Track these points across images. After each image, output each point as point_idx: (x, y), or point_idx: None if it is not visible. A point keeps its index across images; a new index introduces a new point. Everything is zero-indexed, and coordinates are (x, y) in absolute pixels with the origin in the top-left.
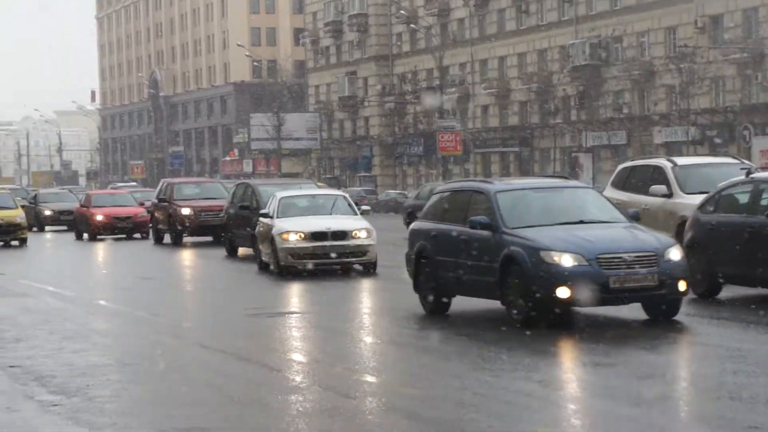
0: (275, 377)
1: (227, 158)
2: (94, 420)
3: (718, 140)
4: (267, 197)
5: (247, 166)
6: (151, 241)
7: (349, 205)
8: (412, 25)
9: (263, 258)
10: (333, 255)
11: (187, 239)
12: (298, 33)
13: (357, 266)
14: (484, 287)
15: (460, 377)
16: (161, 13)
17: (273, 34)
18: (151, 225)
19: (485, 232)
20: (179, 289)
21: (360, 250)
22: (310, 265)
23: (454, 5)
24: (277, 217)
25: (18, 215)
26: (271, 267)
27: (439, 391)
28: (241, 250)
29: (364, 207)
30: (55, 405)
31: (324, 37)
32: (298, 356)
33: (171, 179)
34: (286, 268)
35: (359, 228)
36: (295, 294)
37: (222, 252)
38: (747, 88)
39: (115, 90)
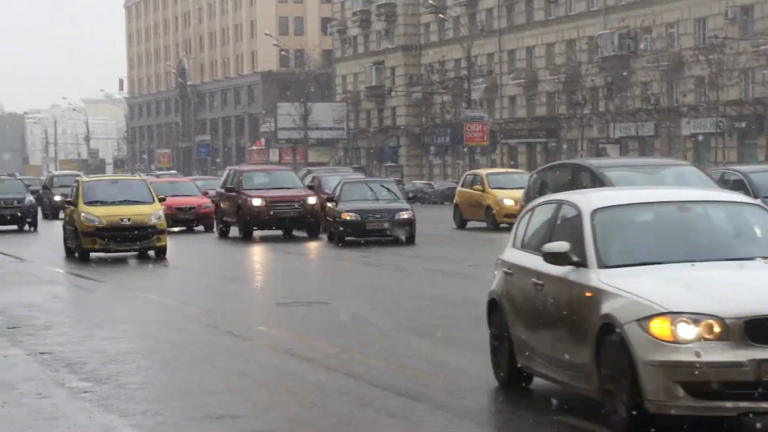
0: (305, 366)
1: (254, 147)
2: (124, 407)
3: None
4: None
5: (274, 156)
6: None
7: None
8: (440, 15)
9: None
10: None
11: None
12: (325, 22)
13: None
14: None
15: None
16: (189, 2)
17: (301, 23)
18: (215, 217)
19: None
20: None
21: None
22: None
23: None
24: None
25: (153, 213)
26: None
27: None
28: None
29: None
30: (86, 392)
31: (352, 27)
32: (327, 345)
33: (239, 167)
34: None
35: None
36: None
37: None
38: None
39: (143, 78)
